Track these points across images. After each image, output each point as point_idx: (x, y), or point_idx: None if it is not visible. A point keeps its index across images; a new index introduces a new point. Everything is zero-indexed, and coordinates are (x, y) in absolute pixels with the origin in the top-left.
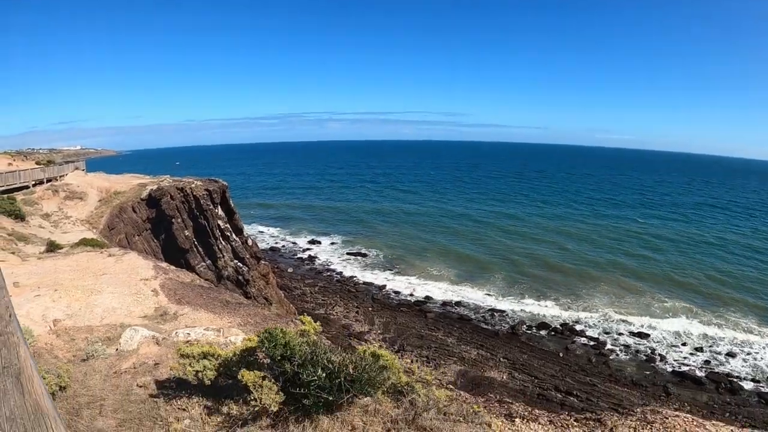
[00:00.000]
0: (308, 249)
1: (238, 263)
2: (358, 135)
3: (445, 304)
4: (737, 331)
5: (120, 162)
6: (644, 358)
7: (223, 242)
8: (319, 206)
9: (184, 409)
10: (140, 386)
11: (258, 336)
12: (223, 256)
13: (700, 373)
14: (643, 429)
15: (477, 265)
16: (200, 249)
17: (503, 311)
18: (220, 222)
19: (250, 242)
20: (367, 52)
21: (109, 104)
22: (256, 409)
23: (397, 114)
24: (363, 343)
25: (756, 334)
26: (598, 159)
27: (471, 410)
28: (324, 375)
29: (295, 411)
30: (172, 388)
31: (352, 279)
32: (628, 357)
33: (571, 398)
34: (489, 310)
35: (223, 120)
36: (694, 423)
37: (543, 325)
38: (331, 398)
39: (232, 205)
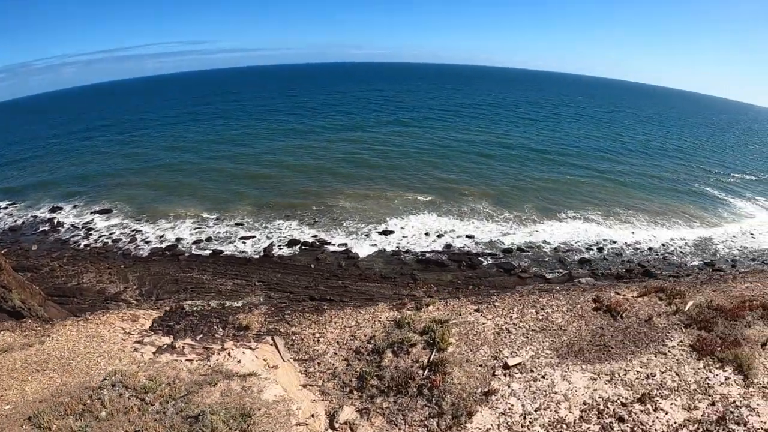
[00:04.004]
0: (50, 219)
1: None
2: (96, 77)
3: (196, 242)
4: (471, 218)
5: None
6: (389, 253)
7: None
8: (53, 170)
9: None
10: None
11: None
12: None
13: (442, 257)
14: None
15: (219, 199)
16: None
17: (253, 237)
18: None
19: None
20: None
21: None
22: None
23: (137, 49)
24: (121, 303)
25: (492, 220)
26: (354, 73)
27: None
28: None
29: None
30: None
31: (100, 239)
32: (361, 255)
33: (325, 303)
34: (240, 238)
35: None
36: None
37: (293, 242)
38: None
39: None
